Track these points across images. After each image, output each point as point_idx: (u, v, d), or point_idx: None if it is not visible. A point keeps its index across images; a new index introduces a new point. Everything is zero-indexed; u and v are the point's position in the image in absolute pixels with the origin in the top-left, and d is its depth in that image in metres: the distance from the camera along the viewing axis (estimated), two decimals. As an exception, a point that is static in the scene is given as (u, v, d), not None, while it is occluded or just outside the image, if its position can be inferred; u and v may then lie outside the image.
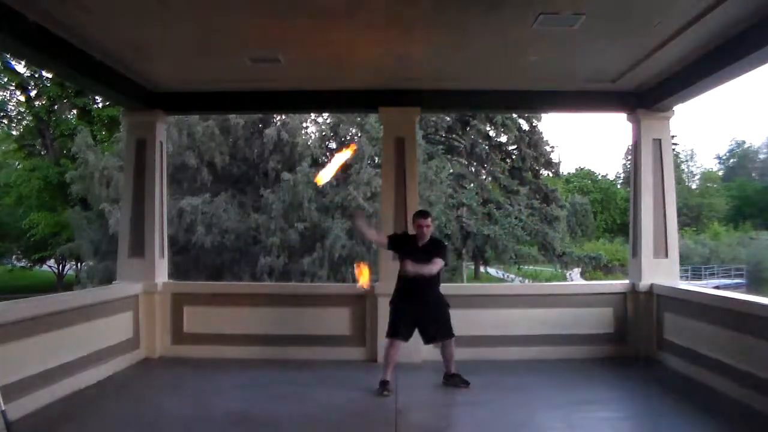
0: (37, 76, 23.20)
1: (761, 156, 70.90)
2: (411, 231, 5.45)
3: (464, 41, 5.17)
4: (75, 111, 24.16)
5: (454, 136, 28.21)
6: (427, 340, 5.38)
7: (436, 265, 5.12)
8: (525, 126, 28.24)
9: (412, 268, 5.00)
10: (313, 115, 18.64)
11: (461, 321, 6.41)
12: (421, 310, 5.21)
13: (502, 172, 27.56)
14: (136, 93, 6.47)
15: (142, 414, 4.70)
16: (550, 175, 32.73)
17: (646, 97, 6.47)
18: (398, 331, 5.21)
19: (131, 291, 6.36)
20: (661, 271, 6.50)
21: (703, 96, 6.32)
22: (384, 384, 5.12)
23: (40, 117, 23.66)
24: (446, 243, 5.50)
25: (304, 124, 18.54)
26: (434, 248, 5.25)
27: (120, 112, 11.26)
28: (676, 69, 5.69)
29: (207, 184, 16.60)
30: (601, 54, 5.53)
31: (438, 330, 5.28)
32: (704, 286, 10.34)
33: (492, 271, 35.17)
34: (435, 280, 5.28)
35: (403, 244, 5.34)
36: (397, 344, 5.22)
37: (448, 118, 27.08)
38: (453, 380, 5.33)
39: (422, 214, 5.33)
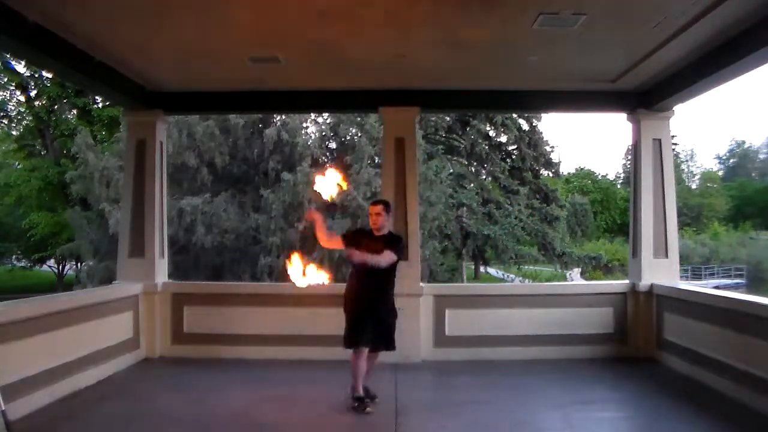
0: (37, 76, 23.18)
1: (761, 156, 70.95)
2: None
3: (464, 41, 5.17)
4: (75, 111, 24.15)
5: (454, 136, 28.22)
6: (375, 348, 4.80)
7: (385, 258, 4.62)
8: (525, 126, 28.24)
9: (357, 257, 4.55)
10: (313, 115, 18.64)
11: (461, 321, 6.47)
12: (377, 312, 4.75)
13: (502, 172, 27.55)
14: (136, 93, 6.47)
15: (142, 414, 4.70)
16: (550, 175, 32.74)
17: (646, 97, 6.48)
18: (363, 339, 4.67)
19: (131, 291, 6.37)
20: (661, 271, 6.51)
21: (703, 96, 6.33)
22: (361, 400, 4.68)
23: (40, 117, 23.64)
24: (402, 238, 5.10)
25: (304, 124, 18.54)
26: (389, 242, 4.77)
27: (120, 112, 11.27)
28: (676, 69, 5.69)
29: (207, 184, 16.60)
30: (601, 54, 5.53)
31: (383, 339, 4.79)
32: (704, 286, 10.32)
33: (492, 271, 35.18)
34: (390, 281, 4.84)
35: (360, 240, 4.82)
36: (362, 353, 4.69)
37: (448, 118, 27.08)
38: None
39: (372, 202, 4.96)
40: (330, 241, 4.93)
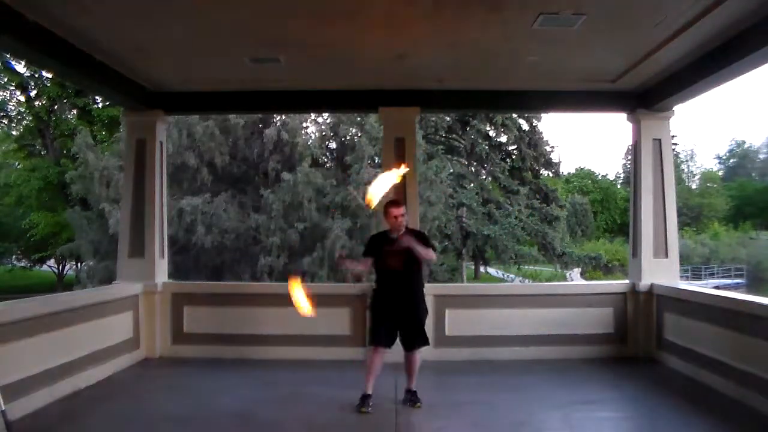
0: (37, 76, 23.20)
1: (761, 156, 70.99)
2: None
3: (464, 41, 5.17)
4: (75, 111, 24.17)
5: (454, 136, 28.26)
6: (408, 346, 4.85)
7: (431, 253, 4.81)
8: (525, 126, 28.28)
9: (406, 242, 4.62)
10: (313, 115, 18.65)
11: (461, 321, 6.47)
12: (404, 311, 4.79)
13: (502, 172, 27.59)
14: (136, 93, 6.46)
15: (142, 414, 4.69)
16: (550, 175, 32.78)
17: (646, 97, 6.47)
18: (380, 337, 4.79)
19: (131, 291, 6.36)
20: (661, 271, 6.50)
21: (703, 96, 6.32)
22: (365, 398, 4.73)
23: (40, 117, 23.66)
24: (425, 233, 5.23)
25: (304, 124, 18.57)
26: (419, 238, 4.83)
27: (120, 112, 11.27)
28: (676, 69, 5.69)
29: (207, 184, 16.62)
30: (601, 54, 5.53)
31: (417, 336, 4.83)
32: (704, 286, 10.32)
33: (492, 271, 35.18)
34: (420, 279, 4.93)
35: (379, 244, 4.87)
36: (381, 351, 4.80)
37: (448, 118, 27.10)
38: (409, 396, 4.87)
39: (394, 203, 4.90)
40: (365, 267, 4.95)
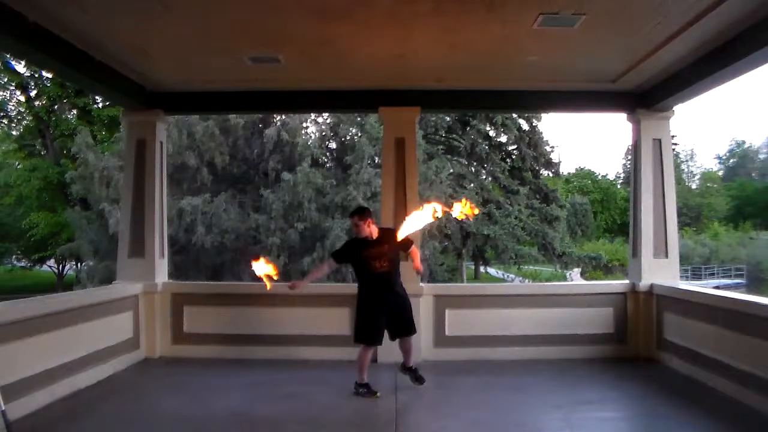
0: (37, 76, 23.20)
1: (761, 156, 70.97)
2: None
3: (464, 41, 5.17)
4: (75, 111, 24.15)
5: (454, 136, 28.19)
6: (406, 332, 5.16)
7: (417, 251, 5.34)
8: (525, 126, 28.21)
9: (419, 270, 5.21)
10: (313, 115, 18.63)
11: (461, 321, 6.48)
12: (395, 305, 5.08)
13: (502, 172, 27.53)
14: (136, 93, 6.47)
15: (142, 414, 4.70)
16: (550, 175, 32.72)
17: (646, 97, 6.48)
18: (374, 337, 5.07)
19: (131, 291, 6.37)
20: (661, 271, 6.51)
21: (703, 96, 6.33)
22: (367, 387, 5.07)
23: (40, 117, 23.64)
24: (393, 229, 5.28)
25: (304, 124, 18.54)
26: (392, 237, 5.00)
27: (120, 112, 11.30)
28: (676, 69, 5.69)
29: (207, 184, 16.59)
30: (601, 54, 5.53)
31: (402, 327, 5.14)
32: (704, 286, 10.31)
33: (492, 271, 35.16)
34: (399, 271, 5.21)
35: (357, 250, 5.11)
36: (369, 348, 5.12)
37: (448, 118, 27.07)
38: (411, 373, 5.25)
39: (358, 214, 5.13)
40: (320, 272, 5.61)
